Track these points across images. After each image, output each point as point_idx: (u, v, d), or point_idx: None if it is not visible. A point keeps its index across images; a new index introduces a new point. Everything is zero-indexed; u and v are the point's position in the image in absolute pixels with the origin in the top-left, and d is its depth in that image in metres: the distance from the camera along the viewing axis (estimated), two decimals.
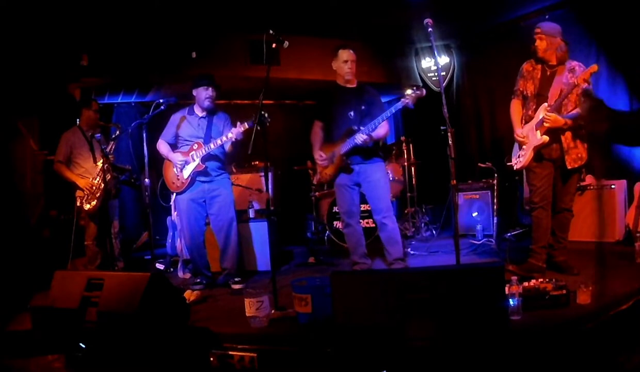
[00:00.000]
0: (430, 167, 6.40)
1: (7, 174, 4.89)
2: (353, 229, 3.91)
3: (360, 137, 3.65)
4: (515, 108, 3.59)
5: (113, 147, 4.19)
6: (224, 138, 3.81)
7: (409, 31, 6.15)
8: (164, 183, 4.13)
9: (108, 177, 4.06)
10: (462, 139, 6.46)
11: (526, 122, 3.49)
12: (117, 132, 4.25)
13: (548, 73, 3.42)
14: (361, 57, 4.15)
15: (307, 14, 5.38)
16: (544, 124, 3.30)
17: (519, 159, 3.55)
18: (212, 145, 3.85)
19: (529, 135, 3.43)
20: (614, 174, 4.70)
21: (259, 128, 3.23)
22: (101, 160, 4.10)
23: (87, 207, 4.21)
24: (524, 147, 3.50)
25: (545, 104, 3.33)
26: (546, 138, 3.33)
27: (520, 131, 3.49)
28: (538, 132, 3.36)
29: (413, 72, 6.96)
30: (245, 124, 3.67)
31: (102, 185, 4.10)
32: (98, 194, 4.17)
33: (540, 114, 3.34)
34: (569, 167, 3.36)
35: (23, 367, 2.69)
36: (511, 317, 2.52)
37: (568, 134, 3.35)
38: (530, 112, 3.47)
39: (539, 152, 3.43)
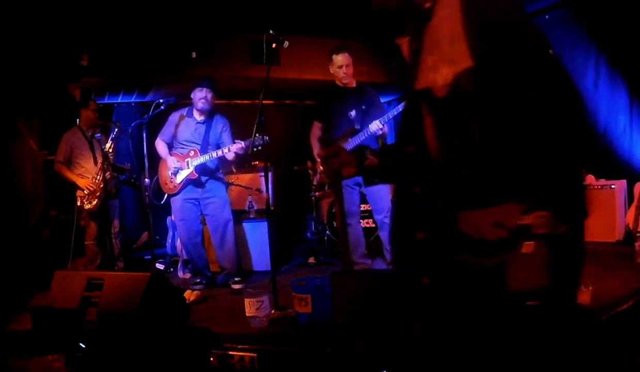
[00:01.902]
0: None
1: (7, 174, 4.89)
2: (353, 229, 3.91)
3: (375, 125, 3.64)
4: None
5: (112, 146, 4.19)
6: (220, 152, 3.80)
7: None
8: (159, 182, 4.13)
9: (107, 175, 4.06)
10: None
11: None
12: (116, 130, 4.24)
13: None
14: (361, 57, 4.15)
15: (307, 14, 5.38)
16: None
17: None
18: (207, 157, 3.84)
19: None
20: (613, 175, 4.70)
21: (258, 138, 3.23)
22: (100, 160, 4.09)
23: (87, 206, 4.21)
24: None
25: None
26: None
27: None
28: None
29: None
30: (243, 143, 3.66)
31: (102, 184, 4.10)
32: (98, 193, 4.17)
33: None
34: None
35: (23, 367, 2.69)
36: None
37: None
38: None
39: None
